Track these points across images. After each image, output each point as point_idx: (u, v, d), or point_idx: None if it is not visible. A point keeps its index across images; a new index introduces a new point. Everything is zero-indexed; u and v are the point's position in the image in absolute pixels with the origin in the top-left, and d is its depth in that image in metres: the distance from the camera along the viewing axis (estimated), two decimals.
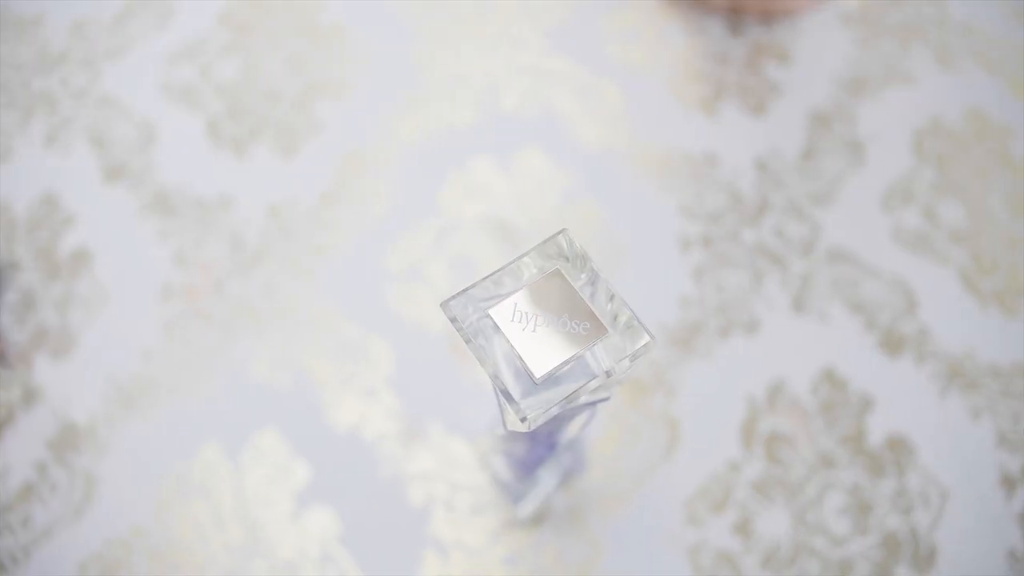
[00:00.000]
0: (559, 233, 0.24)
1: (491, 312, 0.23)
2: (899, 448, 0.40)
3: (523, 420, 0.22)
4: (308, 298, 0.42)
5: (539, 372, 0.22)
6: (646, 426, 0.40)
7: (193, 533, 0.38)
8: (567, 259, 0.24)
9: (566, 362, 0.22)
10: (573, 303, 0.23)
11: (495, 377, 0.22)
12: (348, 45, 0.49)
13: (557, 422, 0.27)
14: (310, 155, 0.46)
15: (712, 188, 0.45)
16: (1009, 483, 0.39)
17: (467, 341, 0.23)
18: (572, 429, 0.29)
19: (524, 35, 0.50)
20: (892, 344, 0.42)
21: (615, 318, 0.23)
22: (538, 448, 0.30)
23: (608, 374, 0.23)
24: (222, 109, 0.47)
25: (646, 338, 0.23)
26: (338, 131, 0.47)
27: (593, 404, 0.26)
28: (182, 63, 0.48)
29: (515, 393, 0.22)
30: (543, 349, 0.22)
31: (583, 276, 0.24)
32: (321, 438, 0.40)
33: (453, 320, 0.23)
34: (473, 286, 0.24)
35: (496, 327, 0.23)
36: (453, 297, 0.23)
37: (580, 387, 0.22)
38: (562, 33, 0.50)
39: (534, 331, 0.23)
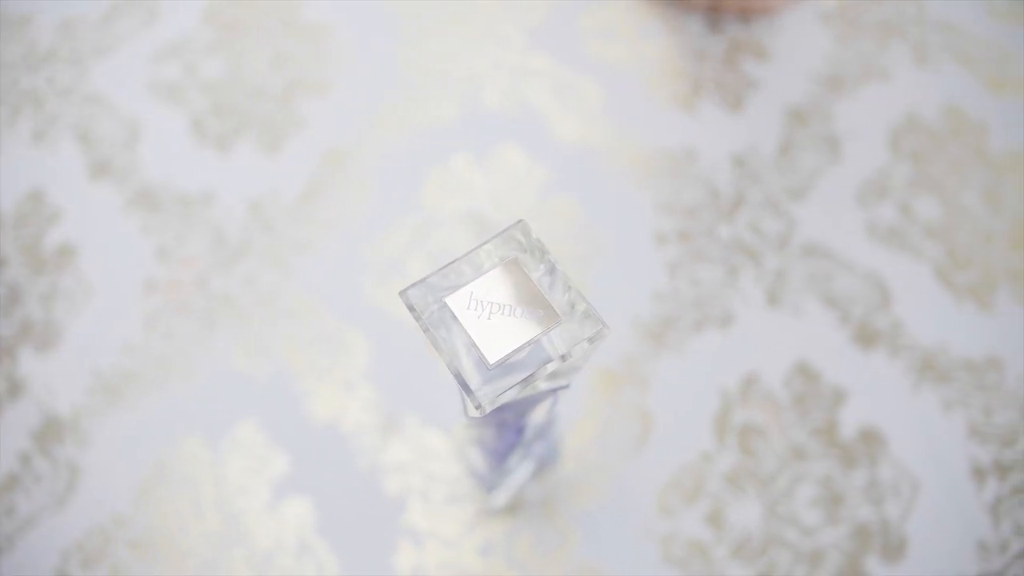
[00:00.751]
0: (517, 224, 0.25)
1: (447, 300, 0.23)
2: (871, 440, 0.40)
3: (477, 406, 0.22)
4: (288, 292, 0.43)
5: (493, 358, 0.23)
6: (619, 418, 0.41)
7: (173, 522, 0.38)
8: (525, 250, 0.25)
9: (519, 348, 0.23)
10: (529, 292, 0.24)
11: (450, 364, 0.23)
12: (332, 43, 0.50)
13: (518, 409, 0.27)
14: (292, 152, 0.47)
15: (689, 183, 0.46)
16: (980, 475, 0.40)
17: (424, 330, 0.23)
18: (537, 416, 0.30)
19: (506, 33, 0.50)
20: (866, 338, 0.42)
21: (572, 307, 0.24)
22: (506, 436, 0.31)
23: (563, 358, 0.23)
24: (206, 106, 0.48)
25: (600, 326, 0.23)
26: (321, 128, 0.47)
27: (553, 392, 0.27)
28: (168, 61, 0.49)
29: (473, 380, 0.23)
30: (497, 336, 0.23)
31: (541, 266, 0.24)
32: (299, 429, 0.40)
33: (411, 308, 0.24)
34: (432, 275, 0.24)
35: (453, 315, 0.23)
36: (412, 286, 0.24)
37: (532, 373, 0.23)
38: (543, 31, 0.50)
39: (489, 319, 0.23)
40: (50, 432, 0.40)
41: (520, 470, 0.37)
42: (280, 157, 0.46)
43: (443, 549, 0.38)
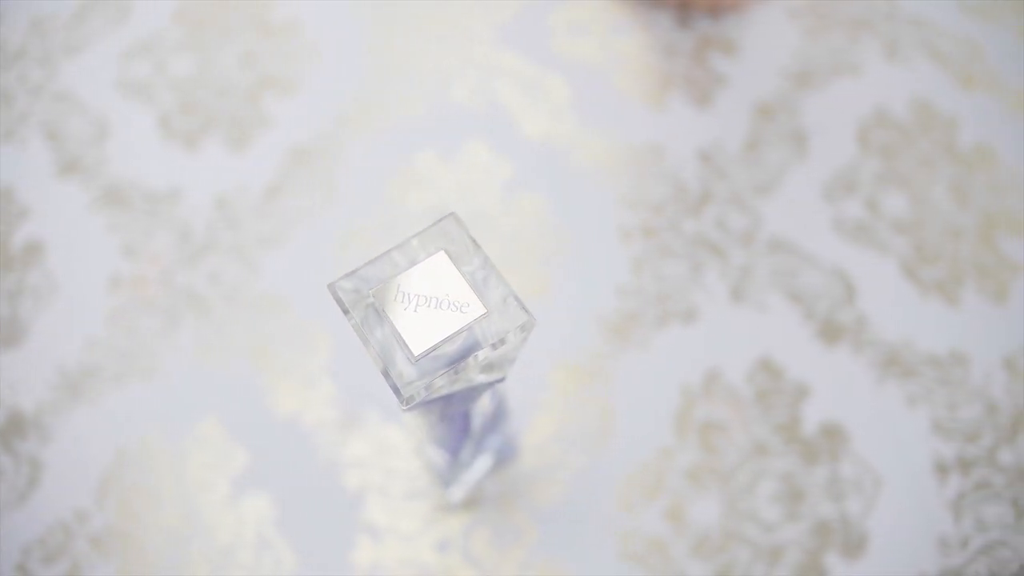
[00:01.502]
0: (447, 217, 0.25)
1: (375, 293, 0.23)
2: (833, 436, 0.40)
3: (400, 398, 0.22)
4: (252, 288, 0.43)
5: (417, 350, 0.23)
6: (579, 414, 0.40)
7: (133, 517, 0.39)
8: (455, 243, 0.25)
9: (444, 340, 0.23)
10: (456, 284, 0.24)
11: (375, 356, 0.23)
12: (300, 41, 0.50)
13: (457, 402, 0.27)
14: (259, 149, 0.47)
15: (655, 179, 0.46)
16: (942, 470, 0.40)
17: (351, 322, 0.23)
18: (481, 410, 0.30)
19: (475, 30, 0.50)
20: (830, 333, 0.42)
21: (499, 300, 0.24)
22: (454, 429, 0.31)
23: (493, 347, 0.23)
24: (174, 104, 0.48)
25: (526, 317, 0.23)
26: (288, 125, 0.47)
27: (490, 385, 0.27)
28: (137, 59, 0.49)
29: (400, 373, 0.23)
30: (423, 329, 0.23)
31: (472, 259, 0.24)
32: (260, 425, 0.40)
33: (338, 301, 0.24)
34: (361, 268, 0.24)
35: (381, 308, 0.23)
36: (340, 279, 0.24)
37: (453, 366, 0.23)
38: (512, 28, 0.50)
39: (415, 311, 0.23)
40: (13, 428, 0.41)
41: (477, 465, 0.37)
42: (247, 154, 0.47)
43: (401, 545, 0.38)
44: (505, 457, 0.38)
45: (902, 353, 0.42)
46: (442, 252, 0.24)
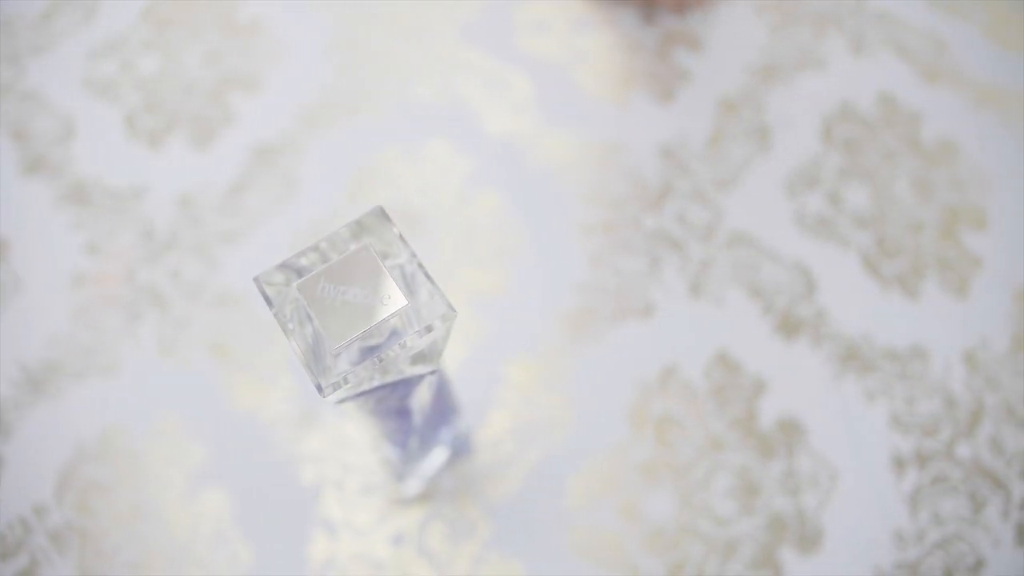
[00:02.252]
0: (373, 210, 0.25)
1: (298, 285, 0.24)
2: (790, 430, 0.40)
3: (319, 390, 0.23)
4: (213, 284, 0.43)
5: (337, 342, 0.23)
6: (535, 409, 0.41)
7: (91, 513, 0.39)
8: (381, 236, 0.25)
9: (364, 332, 0.23)
10: (378, 277, 0.24)
11: (296, 348, 0.23)
12: (265, 38, 0.50)
13: (391, 394, 0.27)
14: (223, 146, 0.47)
15: (616, 175, 0.46)
16: (900, 464, 0.40)
17: (274, 315, 0.24)
18: (420, 402, 0.30)
19: (439, 26, 0.50)
20: (788, 327, 0.42)
21: (423, 293, 0.24)
22: (393, 422, 0.31)
23: (405, 343, 0.23)
24: (140, 103, 0.48)
25: (446, 310, 0.24)
26: (251, 123, 0.47)
27: (421, 377, 0.27)
28: (104, 58, 0.50)
29: (322, 366, 0.23)
30: (344, 321, 0.23)
31: (399, 253, 0.25)
32: (219, 420, 0.40)
33: (262, 293, 0.24)
34: (286, 260, 0.24)
35: (304, 301, 0.23)
36: (265, 271, 0.24)
37: (374, 356, 0.23)
38: (476, 25, 0.50)
39: (337, 304, 0.23)
40: None
41: (432, 459, 0.37)
42: (210, 152, 0.47)
43: (356, 539, 0.38)
44: (460, 451, 0.38)
45: (861, 347, 0.42)
46: (367, 245, 0.24)
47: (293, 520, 0.39)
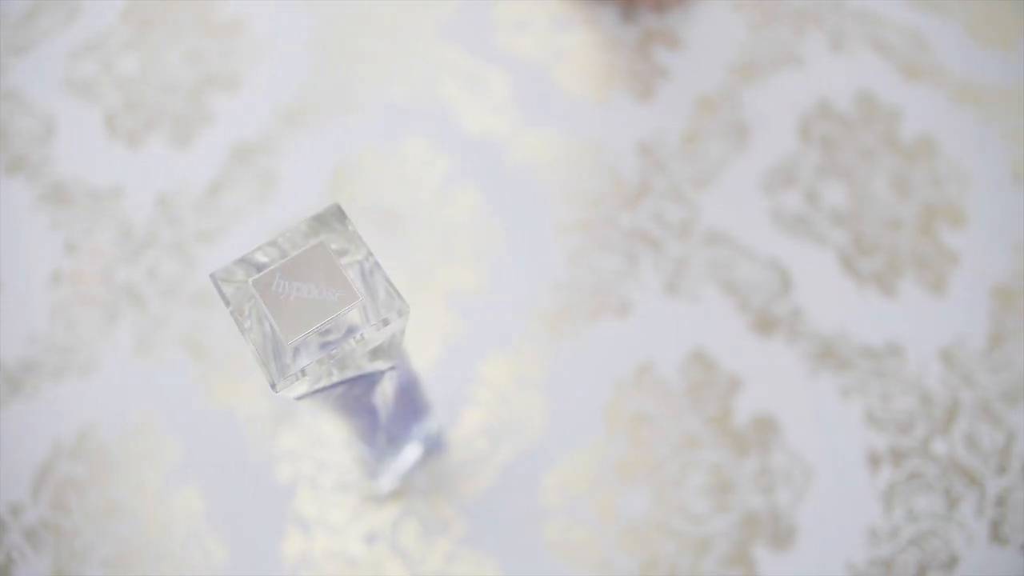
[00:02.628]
0: (329, 207, 0.25)
1: (253, 282, 0.24)
2: (764, 428, 0.40)
3: (272, 387, 0.23)
4: (190, 282, 0.43)
5: (290, 338, 0.23)
6: (510, 407, 0.41)
7: (66, 511, 0.39)
8: (337, 233, 0.25)
9: (316, 328, 0.23)
10: (333, 274, 0.24)
11: (251, 346, 0.23)
12: (243, 37, 0.50)
13: (353, 391, 0.27)
14: (202, 146, 0.47)
15: (593, 173, 0.46)
16: (874, 461, 0.40)
17: (231, 313, 0.24)
18: (384, 399, 0.30)
19: (418, 24, 0.50)
20: (764, 325, 0.42)
21: (378, 289, 0.24)
22: (362, 420, 0.31)
23: (359, 338, 0.23)
24: (120, 102, 0.48)
25: (400, 305, 0.24)
26: (230, 122, 0.48)
27: (381, 373, 0.27)
28: (85, 58, 0.50)
29: (278, 362, 0.23)
30: (297, 317, 0.23)
31: (355, 250, 0.25)
32: (194, 417, 0.40)
33: (219, 291, 0.24)
34: (245, 256, 0.24)
35: (259, 297, 0.24)
36: (222, 268, 0.24)
37: (329, 354, 0.23)
38: (455, 22, 0.50)
39: (291, 300, 0.23)
40: None
41: (405, 456, 0.37)
42: (189, 152, 0.47)
43: (329, 536, 0.38)
44: (434, 449, 0.38)
45: (837, 345, 0.42)
46: (322, 242, 0.24)
47: (268, 518, 0.39)
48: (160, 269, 0.44)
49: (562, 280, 0.43)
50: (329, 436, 0.40)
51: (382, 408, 0.30)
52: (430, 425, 0.37)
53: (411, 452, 0.37)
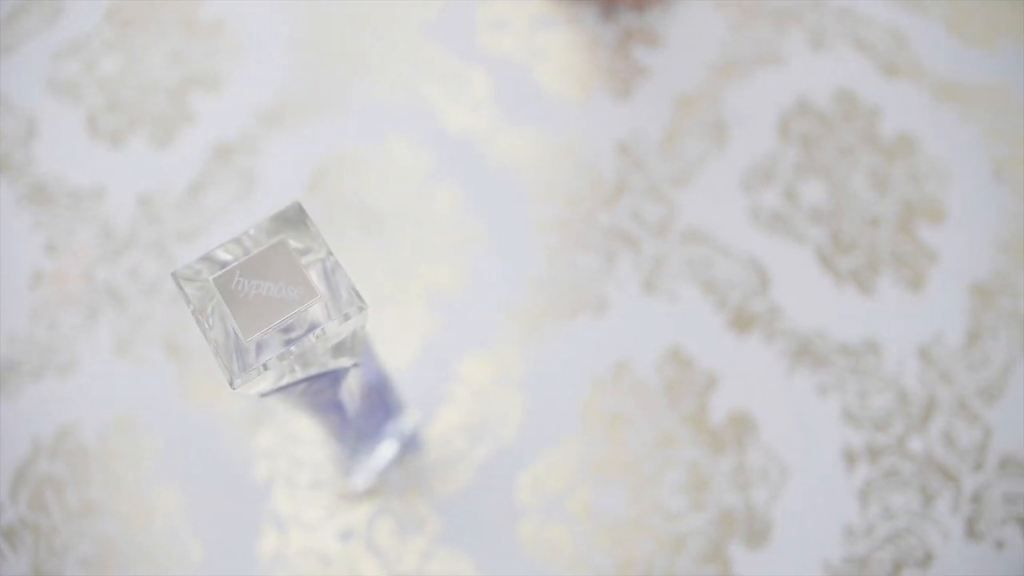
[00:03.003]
0: (291, 205, 0.25)
1: (214, 280, 0.24)
2: (741, 425, 0.40)
3: (230, 384, 0.23)
4: (170, 282, 0.44)
5: (248, 335, 0.23)
6: (486, 405, 0.41)
7: (44, 510, 0.39)
8: (298, 231, 0.25)
9: (276, 326, 0.23)
10: (293, 272, 0.24)
11: (211, 343, 0.23)
12: (225, 38, 0.50)
13: (318, 388, 0.28)
14: (183, 146, 0.47)
15: (573, 172, 0.46)
16: (850, 458, 0.40)
17: (192, 312, 0.24)
18: (350, 397, 0.30)
19: (400, 25, 0.50)
20: (741, 323, 0.42)
21: (337, 287, 0.24)
22: (331, 418, 0.31)
23: (317, 336, 0.23)
24: (102, 103, 0.49)
25: (357, 303, 0.24)
26: (211, 122, 0.48)
27: (346, 370, 0.27)
28: (67, 58, 0.50)
29: (239, 360, 0.23)
30: (257, 314, 0.23)
31: (316, 248, 0.25)
32: (173, 416, 0.41)
33: (180, 289, 0.24)
34: (208, 253, 0.25)
35: (219, 295, 0.24)
36: (183, 267, 0.24)
37: (288, 350, 0.23)
38: (437, 23, 0.50)
39: (251, 297, 0.24)
40: None
41: (380, 453, 0.37)
42: (171, 151, 0.47)
43: (305, 534, 0.38)
44: (409, 447, 0.39)
45: (814, 342, 0.42)
46: (282, 240, 0.24)
47: (244, 515, 0.39)
48: (141, 269, 0.44)
49: (540, 278, 0.43)
50: (305, 434, 0.40)
51: (349, 405, 0.31)
52: (404, 423, 0.37)
53: (386, 450, 0.37)
